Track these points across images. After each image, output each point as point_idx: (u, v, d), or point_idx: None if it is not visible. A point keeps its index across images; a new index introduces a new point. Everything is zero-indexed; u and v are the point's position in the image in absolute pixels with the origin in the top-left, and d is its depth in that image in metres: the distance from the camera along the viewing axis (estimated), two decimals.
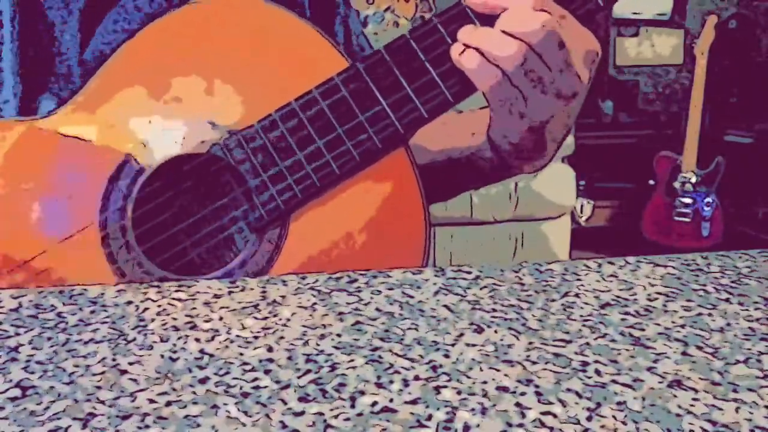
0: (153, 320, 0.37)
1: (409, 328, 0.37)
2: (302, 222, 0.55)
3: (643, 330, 0.37)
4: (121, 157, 0.54)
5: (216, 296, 0.40)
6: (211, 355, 0.34)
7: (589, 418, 0.29)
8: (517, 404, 0.30)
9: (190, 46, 0.55)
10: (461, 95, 0.55)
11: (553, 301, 0.40)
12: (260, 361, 0.33)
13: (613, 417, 0.29)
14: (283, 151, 0.54)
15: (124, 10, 0.62)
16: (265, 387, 0.31)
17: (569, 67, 0.53)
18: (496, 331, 0.36)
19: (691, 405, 0.30)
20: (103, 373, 0.32)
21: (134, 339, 0.35)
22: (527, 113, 0.56)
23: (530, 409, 0.29)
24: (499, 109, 0.57)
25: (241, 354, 0.34)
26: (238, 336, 0.36)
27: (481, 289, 0.41)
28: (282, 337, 0.36)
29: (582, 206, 3.21)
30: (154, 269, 0.54)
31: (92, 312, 0.38)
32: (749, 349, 0.35)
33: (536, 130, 0.57)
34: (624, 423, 0.29)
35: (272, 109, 0.54)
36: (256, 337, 0.36)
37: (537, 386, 0.31)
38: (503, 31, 0.53)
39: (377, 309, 0.39)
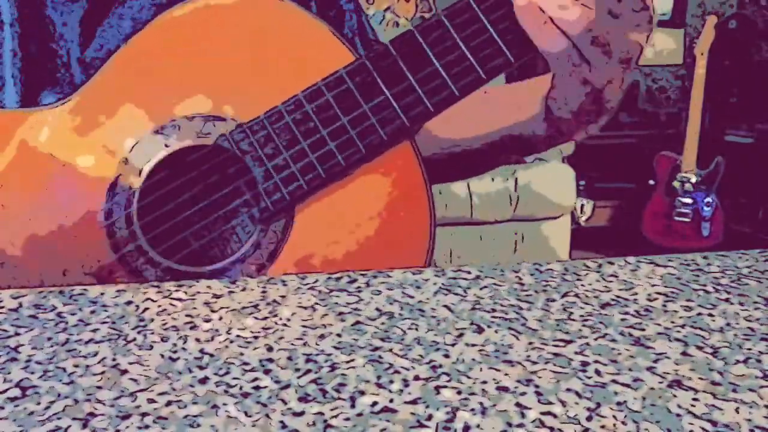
0: (153, 320, 0.37)
1: (409, 328, 0.37)
2: (308, 214, 0.55)
3: (643, 330, 0.37)
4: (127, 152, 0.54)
5: (216, 296, 0.40)
6: (211, 355, 0.34)
7: (589, 418, 0.29)
8: (517, 404, 0.30)
9: (195, 41, 0.56)
10: (467, 89, 0.55)
11: (553, 301, 0.40)
12: (260, 361, 0.33)
13: (613, 417, 0.29)
14: (289, 142, 0.55)
15: (129, 8, 0.62)
16: (265, 387, 0.31)
17: (631, 30, 0.53)
18: (496, 331, 0.36)
19: (691, 405, 0.30)
20: (103, 373, 0.32)
21: (134, 339, 0.35)
22: (590, 78, 0.55)
23: (530, 409, 0.29)
24: (562, 76, 0.56)
25: (241, 354, 0.34)
26: (238, 336, 0.36)
27: (481, 289, 0.41)
28: (282, 337, 0.36)
29: (582, 206, 3.21)
30: (159, 259, 0.54)
31: (92, 312, 0.38)
32: (749, 349, 0.35)
33: (596, 95, 0.57)
34: (624, 423, 0.29)
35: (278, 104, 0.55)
36: (256, 337, 0.36)
37: (537, 386, 0.31)
38: None
39: (377, 309, 0.39)
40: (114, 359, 0.33)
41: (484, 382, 0.31)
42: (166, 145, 0.55)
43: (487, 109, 0.63)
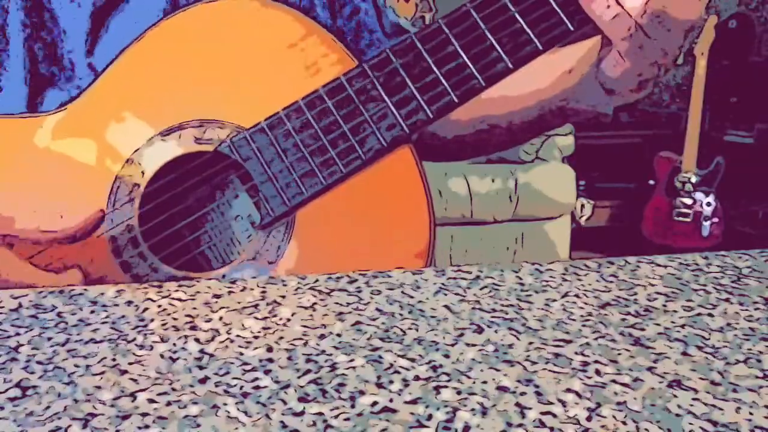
0: (153, 320, 0.37)
1: (409, 328, 0.37)
2: (308, 217, 0.56)
3: (643, 330, 0.37)
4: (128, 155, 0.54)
5: (216, 296, 0.40)
6: (211, 355, 0.34)
7: (589, 418, 0.29)
8: (517, 404, 0.30)
9: (197, 46, 0.56)
10: (467, 96, 0.55)
11: (554, 301, 0.40)
12: (260, 361, 0.33)
13: (613, 417, 0.29)
14: (289, 148, 0.55)
15: (134, 12, 0.62)
16: (265, 387, 0.31)
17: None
18: (496, 331, 0.36)
19: (691, 405, 0.30)
20: (103, 373, 0.32)
21: (134, 339, 0.35)
22: (654, 53, 0.55)
23: (530, 409, 0.29)
24: (630, 54, 0.56)
25: (241, 354, 0.34)
26: (238, 336, 0.36)
27: (481, 289, 0.41)
28: (282, 337, 0.36)
29: (582, 206, 3.21)
30: (160, 265, 0.54)
31: (92, 312, 0.38)
32: (749, 349, 0.35)
33: (658, 65, 0.56)
34: (624, 423, 0.29)
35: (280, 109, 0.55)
36: (256, 337, 0.36)
37: (537, 386, 0.31)
38: None
39: (377, 309, 0.39)
40: (114, 359, 0.33)
41: (484, 382, 0.31)
42: (168, 151, 0.55)
43: (533, 75, 0.62)
